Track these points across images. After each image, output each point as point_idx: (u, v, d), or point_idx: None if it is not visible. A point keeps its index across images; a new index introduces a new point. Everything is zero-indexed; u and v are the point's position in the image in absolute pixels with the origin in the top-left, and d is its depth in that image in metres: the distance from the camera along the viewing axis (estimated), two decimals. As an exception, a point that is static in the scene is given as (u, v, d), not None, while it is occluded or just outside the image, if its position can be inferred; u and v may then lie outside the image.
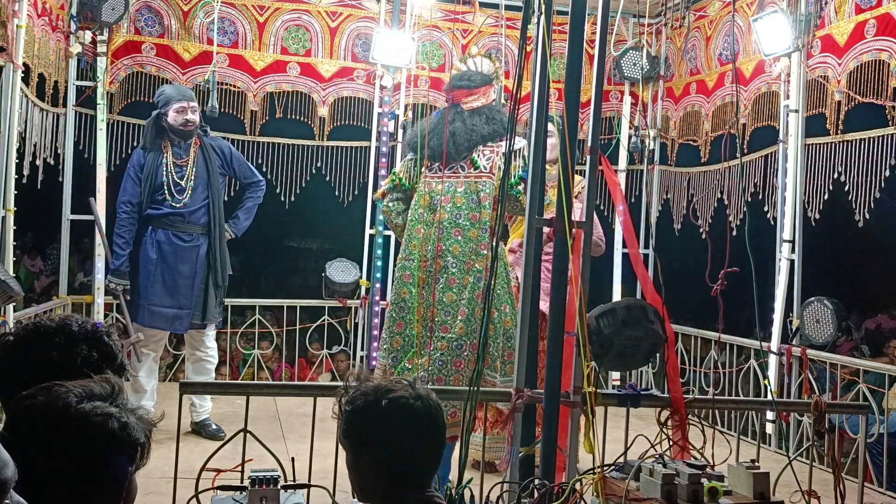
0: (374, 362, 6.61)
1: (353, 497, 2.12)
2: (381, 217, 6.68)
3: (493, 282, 3.05)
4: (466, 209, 4.15)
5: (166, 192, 5.06)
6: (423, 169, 4.27)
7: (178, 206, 5.08)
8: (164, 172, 5.07)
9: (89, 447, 1.49)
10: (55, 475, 1.47)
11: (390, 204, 4.40)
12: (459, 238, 4.13)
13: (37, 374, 1.73)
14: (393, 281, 4.33)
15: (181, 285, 5.07)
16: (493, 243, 3.48)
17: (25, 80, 5.25)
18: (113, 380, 1.62)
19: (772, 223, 5.84)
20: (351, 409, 2.02)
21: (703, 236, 6.67)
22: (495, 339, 4.07)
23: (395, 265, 4.39)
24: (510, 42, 6.99)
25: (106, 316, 6.10)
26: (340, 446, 2.10)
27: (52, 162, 5.93)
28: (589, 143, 2.99)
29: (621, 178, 7.00)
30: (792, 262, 5.62)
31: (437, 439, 2.06)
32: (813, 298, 5.54)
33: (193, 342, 5.27)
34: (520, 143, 4.02)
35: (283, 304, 7.15)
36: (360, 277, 6.78)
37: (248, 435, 3.16)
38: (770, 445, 5.56)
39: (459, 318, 4.06)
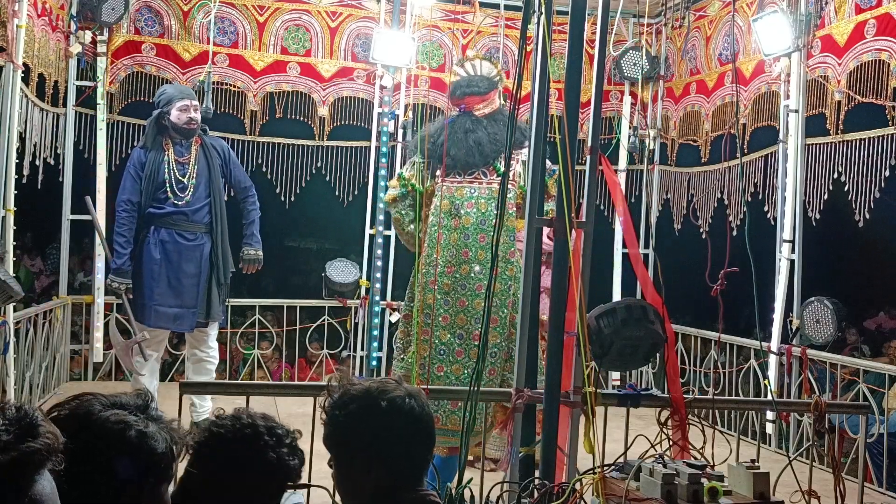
0: (373, 363, 6.62)
1: None
2: (381, 217, 6.68)
3: (492, 281, 3.04)
4: (491, 215, 4.15)
5: (168, 189, 5.04)
6: (437, 174, 4.27)
7: (180, 203, 5.06)
8: (167, 170, 5.06)
9: (104, 454, 1.52)
10: (76, 481, 1.49)
11: (402, 211, 4.42)
12: (485, 244, 4.13)
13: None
14: (416, 286, 4.30)
15: (186, 284, 5.05)
16: (495, 243, 3.47)
17: (25, 80, 5.25)
18: (145, 391, 1.69)
19: (772, 223, 5.84)
20: (344, 412, 1.99)
21: (703, 236, 6.67)
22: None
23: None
24: (510, 42, 6.99)
25: (106, 316, 6.10)
26: (328, 451, 2.08)
27: (52, 162, 5.93)
28: (589, 143, 2.99)
29: (621, 178, 7.00)
30: (792, 262, 5.61)
31: (431, 436, 2.07)
32: (813, 298, 5.54)
33: (195, 342, 5.26)
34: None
35: (284, 304, 7.14)
36: (360, 277, 6.78)
37: (248, 435, 3.15)
38: (770, 445, 5.56)
39: (492, 325, 4.05)
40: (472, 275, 4.14)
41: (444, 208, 4.21)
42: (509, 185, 4.13)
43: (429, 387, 3.17)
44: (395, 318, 6.60)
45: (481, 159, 4.19)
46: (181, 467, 1.90)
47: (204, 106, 5.16)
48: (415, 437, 2.01)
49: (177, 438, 1.64)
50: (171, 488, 1.79)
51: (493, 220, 4.12)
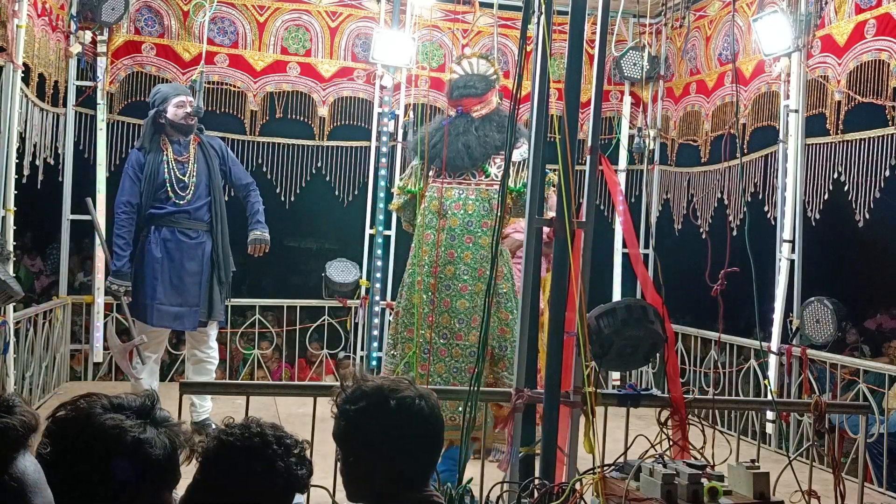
0: (373, 363, 6.62)
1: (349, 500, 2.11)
2: (381, 217, 6.69)
3: (492, 281, 3.04)
4: (478, 216, 4.17)
5: (169, 189, 5.01)
6: (430, 174, 4.29)
7: (181, 202, 5.04)
8: (166, 170, 5.03)
9: (101, 456, 1.54)
10: (77, 480, 1.53)
11: (408, 220, 4.49)
12: (471, 245, 4.15)
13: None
14: (402, 285, 4.34)
15: (188, 283, 5.04)
16: (494, 245, 3.48)
17: (25, 80, 5.25)
18: (152, 392, 1.70)
19: (772, 223, 5.84)
20: (354, 408, 2.00)
21: (703, 236, 6.68)
22: (512, 342, 4.08)
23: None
24: (509, 42, 6.99)
25: (106, 316, 6.10)
26: (337, 447, 2.09)
27: (52, 162, 5.93)
28: (589, 143, 2.99)
29: (621, 178, 7.00)
30: (792, 262, 5.61)
31: (439, 438, 2.07)
32: (813, 298, 5.54)
33: (195, 342, 5.24)
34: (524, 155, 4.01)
35: (284, 304, 7.14)
36: (360, 277, 6.78)
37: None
38: (770, 445, 5.56)
39: (473, 325, 4.08)
40: (457, 275, 4.16)
41: (432, 208, 4.23)
42: (497, 187, 4.14)
43: (429, 387, 3.17)
44: (394, 317, 6.61)
45: (469, 162, 4.22)
46: (191, 474, 1.91)
47: (195, 105, 5.15)
48: (422, 438, 2.01)
49: (180, 443, 1.64)
50: (178, 494, 1.80)
51: (480, 222, 4.15)
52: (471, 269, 4.13)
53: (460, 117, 4.29)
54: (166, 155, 5.05)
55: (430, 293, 4.17)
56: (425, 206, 4.27)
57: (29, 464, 1.32)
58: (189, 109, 5.06)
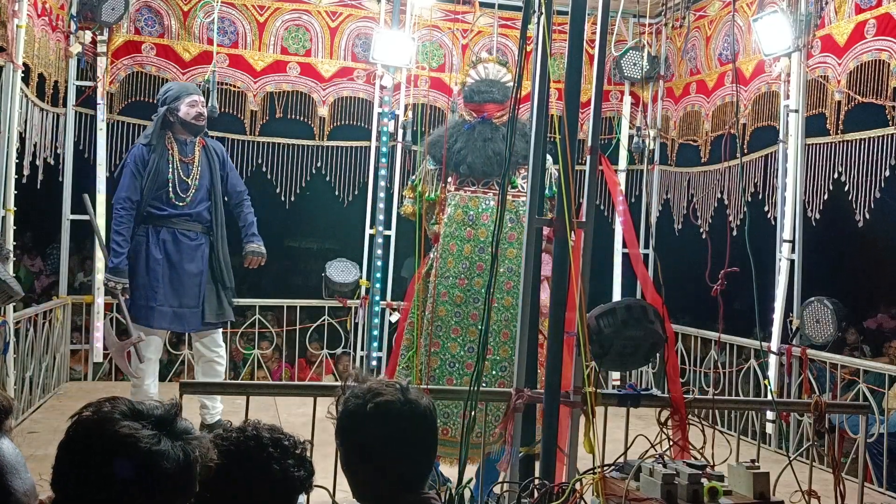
0: (373, 362, 6.62)
1: (353, 497, 2.13)
2: (381, 217, 6.69)
3: (493, 281, 3.03)
4: (506, 228, 4.09)
5: (170, 189, 4.98)
6: (449, 181, 4.23)
7: (181, 204, 5.01)
8: (171, 169, 4.99)
9: (113, 465, 1.53)
10: (100, 483, 1.53)
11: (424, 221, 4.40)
12: (501, 258, 4.06)
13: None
14: (426, 295, 4.21)
15: (188, 284, 5.01)
16: (494, 244, 3.48)
17: (25, 80, 5.25)
18: (176, 402, 1.68)
19: (772, 223, 5.84)
20: (343, 409, 2.04)
21: (703, 236, 6.68)
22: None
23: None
24: (509, 42, 6.99)
25: (106, 316, 6.10)
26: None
27: (52, 162, 5.94)
28: (589, 143, 2.99)
29: (621, 178, 7.00)
30: (792, 262, 5.62)
31: (426, 443, 2.06)
32: (813, 298, 5.54)
33: (205, 343, 5.22)
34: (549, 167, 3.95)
35: (284, 304, 7.14)
36: (360, 277, 6.78)
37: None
38: (770, 445, 5.56)
39: (503, 340, 4.01)
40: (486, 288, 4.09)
41: (457, 218, 4.14)
42: (524, 198, 4.06)
43: (429, 387, 3.17)
44: (395, 318, 6.60)
45: (499, 171, 4.11)
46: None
47: (210, 105, 5.12)
48: (405, 442, 2.00)
49: (196, 457, 1.62)
50: None
51: (508, 233, 4.05)
52: (498, 281, 3.97)
53: (483, 123, 4.20)
54: (171, 154, 5.02)
55: (456, 305, 4.09)
56: (449, 214, 4.18)
57: (6, 446, 1.31)
58: (201, 109, 5.04)
